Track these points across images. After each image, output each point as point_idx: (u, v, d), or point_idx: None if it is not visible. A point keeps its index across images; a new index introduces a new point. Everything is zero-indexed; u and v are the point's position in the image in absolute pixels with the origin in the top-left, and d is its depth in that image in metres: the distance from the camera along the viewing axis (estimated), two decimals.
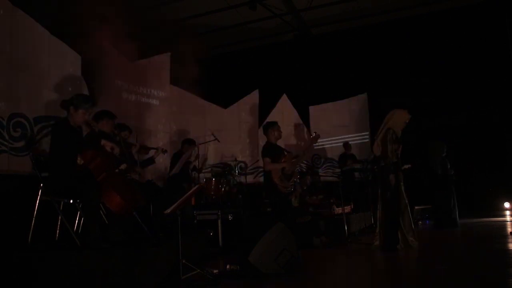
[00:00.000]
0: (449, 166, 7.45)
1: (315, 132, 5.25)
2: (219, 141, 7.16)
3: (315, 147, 8.91)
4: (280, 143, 5.14)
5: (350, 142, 8.88)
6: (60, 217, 3.73)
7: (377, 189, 8.06)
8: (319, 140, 5.72)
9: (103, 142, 3.66)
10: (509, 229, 6.21)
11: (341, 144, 8.95)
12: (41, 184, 3.65)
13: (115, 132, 4.45)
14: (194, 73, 7.67)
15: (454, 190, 7.39)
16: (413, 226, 4.84)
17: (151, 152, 5.40)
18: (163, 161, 6.53)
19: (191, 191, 3.55)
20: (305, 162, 8.96)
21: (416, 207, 8.08)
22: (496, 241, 5.16)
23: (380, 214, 4.87)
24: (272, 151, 4.81)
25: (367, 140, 9.50)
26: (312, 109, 9.49)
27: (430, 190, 7.67)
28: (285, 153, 4.89)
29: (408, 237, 4.72)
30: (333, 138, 9.35)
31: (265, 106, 8.67)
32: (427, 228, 7.63)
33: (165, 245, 3.51)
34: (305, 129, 9.31)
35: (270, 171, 4.70)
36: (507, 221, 7.86)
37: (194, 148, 6.34)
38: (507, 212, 9.69)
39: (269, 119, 7.43)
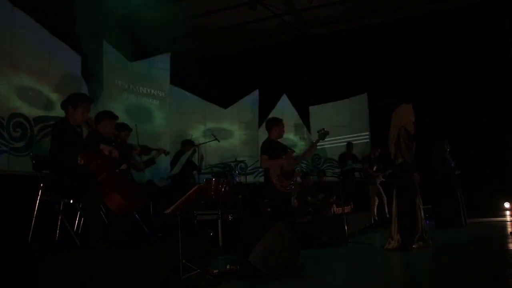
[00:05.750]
0: (453, 165, 7.45)
1: (323, 129, 5.10)
2: (219, 141, 7.16)
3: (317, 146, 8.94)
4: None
5: (352, 142, 8.91)
6: (60, 217, 3.73)
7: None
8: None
9: (101, 146, 3.64)
10: (509, 229, 6.21)
11: (341, 144, 8.97)
12: (41, 184, 3.65)
13: (115, 133, 4.44)
14: (194, 73, 7.67)
15: (460, 189, 7.37)
16: (425, 227, 4.75)
17: (153, 153, 5.41)
18: (163, 161, 6.53)
19: (191, 191, 3.55)
20: (305, 161, 8.96)
21: None
22: (496, 241, 5.15)
23: (394, 214, 4.79)
24: (271, 148, 4.72)
25: (367, 140, 9.52)
26: (312, 109, 9.49)
27: (431, 190, 7.67)
28: (288, 150, 4.82)
29: (421, 237, 4.65)
30: (333, 138, 9.35)
31: (265, 106, 8.67)
32: (427, 228, 7.62)
33: (165, 245, 3.51)
34: (305, 129, 9.32)
35: (269, 169, 4.66)
36: (507, 221, 7.85)
37: (194, 148, 6.36)
38: (507, 212, 9.69)
39: None
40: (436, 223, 7.43)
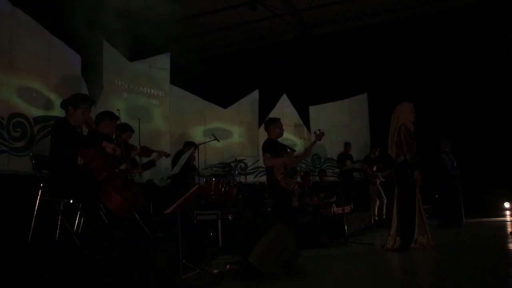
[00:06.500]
0: (454, 164, 7.44)
1: (319, 130, 5.19)
2: (219, 141, 7.17)
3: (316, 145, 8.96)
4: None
5: (350, 142, 8.92)
6: (60, 217, 3.73)
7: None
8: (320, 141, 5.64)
9: (104, 143, 3.65)
10: (509, 229, 6.21)
11: (342, 144, 8.98)
12: (41, 184, 3.65)
13: (117, 133, 4.44)
14: (194, 73, 7.67)
15: (460, 189, 7.37)
16: (427, 227, 4.70)
17: (153, 155, 5.41)
18: (163, 161, 6.53)
19: (191, 191, 3.55)
20: (304, 161, 8.96)
21: None
22: (496, 241, 5.15)
23: (394, 213, 4.75)
24: (272, 147, 4.78)
25: (367, 140, 9.52)
26: (312, 109, 9.49)
27: (431, 190, 7.67)
28: (288, 150, 4.85)
29: (422, 237, 4.61)
30: (333, 138, 9.36)
31: (265, 106, 8.67)
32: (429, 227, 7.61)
33: (165, 245, 3.51)
34: (305, 129, 9.31)
35: (273, 168, 4.68)
36: (507, 221, 7.85)
37: (194, 149, 6.36)
38: (507, 212, 9.69)
39: None
40: (438, 223, 7.43)
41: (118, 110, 4.45)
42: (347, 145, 8.77)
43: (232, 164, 7.68)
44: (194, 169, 6.54)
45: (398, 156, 4.77)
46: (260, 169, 8.17)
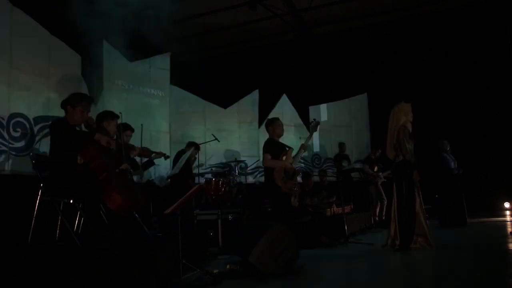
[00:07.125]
0: (454, 164, 7.45)
1: (314, 119, 5.18)
2: (219, 141, 7.17)
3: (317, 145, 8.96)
4: None
5: (344, 143, 8.94)
6: (60, 217, 3.73)
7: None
8: (320, 141, 5.67)
9: (98, 136, 3.59)
10: (509, 229, 6.21)
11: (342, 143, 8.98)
12: (41, 184, 3.64)
13: (117, 133, 4.43)
14: (194, 73, 7.67)
15: (462, 188, 7.37)
16: (427, 227, 4.68)
17: (153, 156, 5.42)
18: (163, 160, 6.53)
19: (191, 191, 3.55)
20: (305, 161, 8.96)
21: None
22: (496, 241, 5.15)
23: (394, 214, 4.75)
24: (273, 147, 4.78)
25: (367, 140, 9.51)
26: (312, 109, 9.49)
27: (431, 190, 7.66)
28: (287, 148, 4.86)
29: (422, 237, 4.61)
30: (333, 138, 9.36)
31: (265, 106, 8.67)
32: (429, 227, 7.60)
33: (165, 245, 3.51)
34: (305, 129, 9.32)
35: (272, 171, 4.67)
36: (507, 221, 7.85)
37: (196, 152, 6.36)
38: (507, 212, 9.69)
39: None
40: (440, 223, 7.42)
41: (120, 113, 4.38)
42: (341, 145, 8.78)
43: (232, 164, 7.68)
44: (190, 170, 6.52)
45: (397, 156, 4.77)
46: (260, 169, 8.17)
